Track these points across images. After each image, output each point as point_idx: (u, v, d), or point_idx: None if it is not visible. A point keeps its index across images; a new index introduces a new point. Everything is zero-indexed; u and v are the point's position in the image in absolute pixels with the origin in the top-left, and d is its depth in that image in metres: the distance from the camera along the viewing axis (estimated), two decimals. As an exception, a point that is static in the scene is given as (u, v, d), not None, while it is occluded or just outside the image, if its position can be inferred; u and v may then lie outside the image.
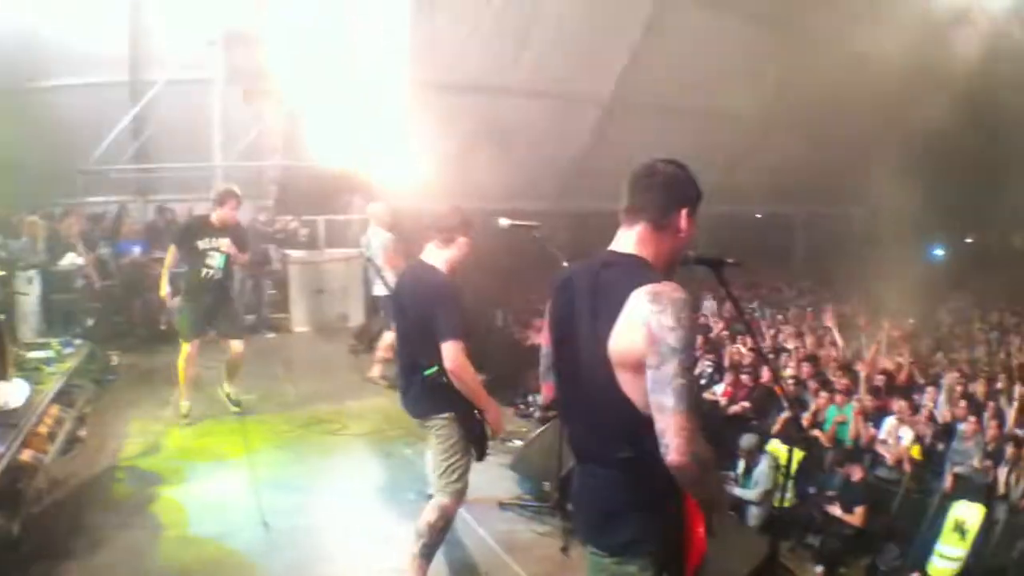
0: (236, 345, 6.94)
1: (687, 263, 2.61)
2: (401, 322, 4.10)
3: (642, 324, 2.08)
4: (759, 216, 21.07)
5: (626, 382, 2.15)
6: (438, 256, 3.98)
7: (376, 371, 8.44)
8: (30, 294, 7.62)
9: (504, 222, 4.58)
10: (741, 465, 7.22)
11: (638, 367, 2.10)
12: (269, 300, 11.75)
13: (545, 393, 2.68)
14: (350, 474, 6.02)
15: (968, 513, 6.03)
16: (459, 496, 4.00)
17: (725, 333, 10.86)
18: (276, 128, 11.86)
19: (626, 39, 14.60)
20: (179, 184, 12.60)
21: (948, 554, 5.98)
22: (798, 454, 6.00)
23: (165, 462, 6.11)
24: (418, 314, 3.88)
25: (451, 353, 3.74)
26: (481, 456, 4.12)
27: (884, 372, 8.58)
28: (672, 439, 2.03)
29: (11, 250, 7.70)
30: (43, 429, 5.91)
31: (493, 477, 5.73)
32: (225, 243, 6.54)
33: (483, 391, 3.93)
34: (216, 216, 6.59)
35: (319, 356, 10.23)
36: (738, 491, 6.99)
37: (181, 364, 6.73)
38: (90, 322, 8.79)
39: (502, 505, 5.31)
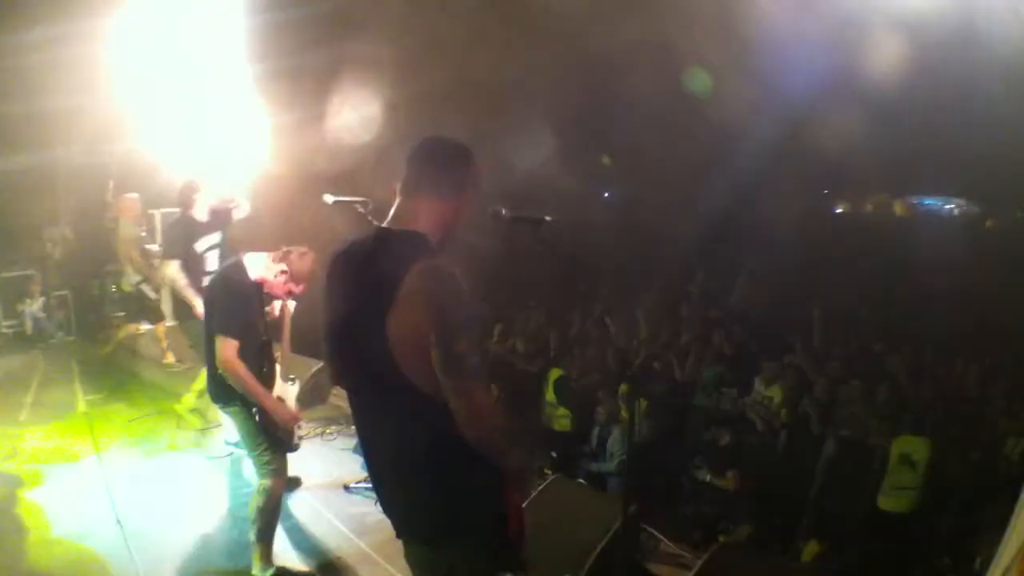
0: None
1: (503, 222, 2.53)
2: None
3: (423, 302, 2.02)
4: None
5: (410, 363, 2.08)
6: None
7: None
8: None
9: (328, 198, 4.20)
10: (595, 439, 7.15)
11: (421, 346, 2.03)
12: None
13: (332, 375, 2.52)
14: (202, 468, 5.80)
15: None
16: (278, 475, 3.99)
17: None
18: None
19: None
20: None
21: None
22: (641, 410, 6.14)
23: (21, 465, 5.92)
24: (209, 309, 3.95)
25: (220, 349, 3.71)
26: (289, 447, 4.13)
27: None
28: (469, 415, 2.05)
29: None
30: None
31: (338, 460, 5.78)
32: None
33: (256, 386, 3.83)
34: None
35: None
36: (594, 466, 6.97)
37: None
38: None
39: (348, 488, 5.31)
